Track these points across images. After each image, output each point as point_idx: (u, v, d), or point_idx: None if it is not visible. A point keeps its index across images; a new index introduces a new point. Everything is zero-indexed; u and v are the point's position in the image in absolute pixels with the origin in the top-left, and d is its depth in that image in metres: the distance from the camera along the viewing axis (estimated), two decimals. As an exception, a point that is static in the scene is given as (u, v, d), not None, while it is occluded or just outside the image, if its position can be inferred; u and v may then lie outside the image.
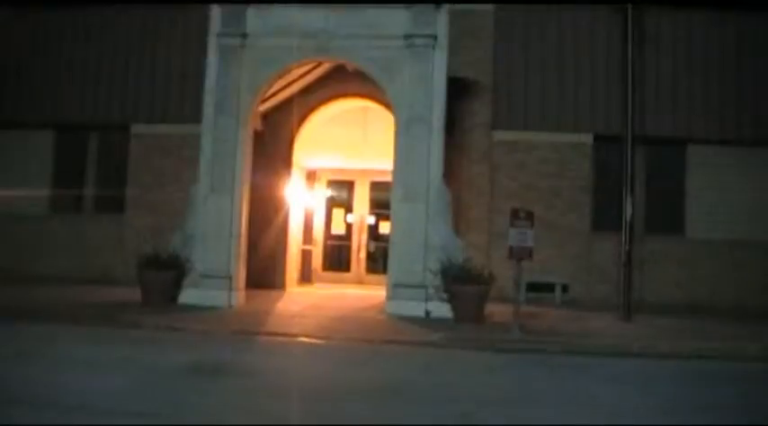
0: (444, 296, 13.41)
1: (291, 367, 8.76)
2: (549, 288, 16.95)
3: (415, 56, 13.71)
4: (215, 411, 6.42)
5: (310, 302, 15.03)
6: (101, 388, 6.94)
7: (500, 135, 17.17)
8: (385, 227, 19.64)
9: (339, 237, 19.55)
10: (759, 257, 16.89)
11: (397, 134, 13.87)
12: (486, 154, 17.17)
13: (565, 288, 17.03)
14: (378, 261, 19.42)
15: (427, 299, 13.50)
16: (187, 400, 6.71)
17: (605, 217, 17.28)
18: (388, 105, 16.81)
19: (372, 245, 19.56)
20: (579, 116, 17.19)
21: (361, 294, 17.08)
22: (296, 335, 11.19)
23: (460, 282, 13.14)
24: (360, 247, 19.36)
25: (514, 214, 12.25)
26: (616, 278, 17.10)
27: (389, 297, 13.74)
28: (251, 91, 13.86)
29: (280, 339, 10.91)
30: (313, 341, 10.95)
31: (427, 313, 13.46)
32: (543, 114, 17.22)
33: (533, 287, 16.75)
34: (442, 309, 13.36)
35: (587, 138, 17.22)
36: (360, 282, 19.00)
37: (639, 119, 16.52)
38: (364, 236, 19.39)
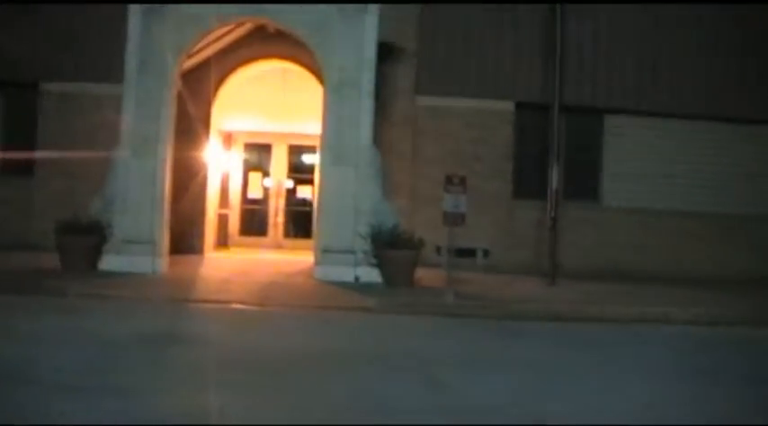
0: (374, 261, 13.34)
1: (237, 335, 8.52)
2: (471, 253, 17.04)
3: (346, 19, 13.45)
4: (185, 382, 6.18)
5: (234, 268, 14.72)
6: (62, 363, 6.56)
7: (423, 100, 17.06)
8: (303, 192, 19.43)
9: (256, 201, 19.20)
10: (671, 225, 17.43)
11: (327, 97, 13.63)
12: (408, 119, 17.06)
13: (486, 254, 17.17)
14: (296, 225, 19.20)
15: (356, 264, 13.39)
16: (152, 372, 6.42)
17: (526, 183, 17.47)
18: (309, 67, 16.53)
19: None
20: (501, 83, 17.24)
21: (281, 259, 16.83)
22: (230, 302, 10.93)
23: (391, 247, 13.09)
24: (277, 211, 19.06)
25: (449, 180, 12.27)
26: (535, 244, 17.40)
27: (318, 263, 13.58)
28: (176, 50, 13.30)
29: (214, 306, 10.63)
30: (248, 307, 10.72)
31: (356, 278, 13.35)
32: (466, 81, 17.19)
33: (455, 252, 16.81)
34: (371, 274, 13.29)
35: (509, 106, 17.31)
36: (277, 247, 18.72)
37: (560, 88, 16.77)
38: (282, 201, 19.10)
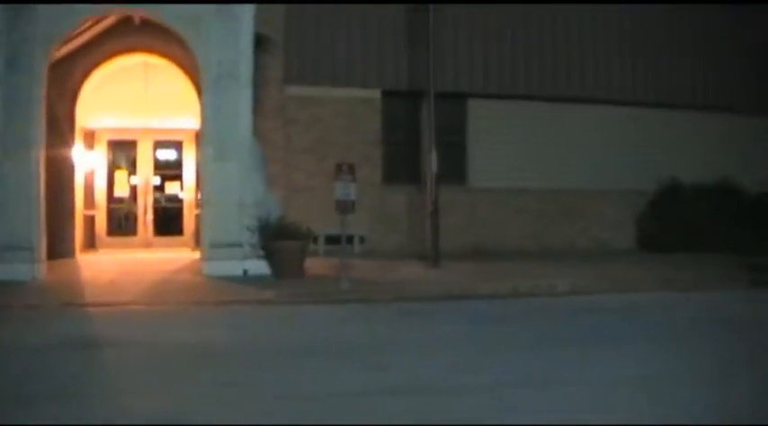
0: (261, 253, 13.33)
1: (153, 334, 8.34)
2: (347, 239, 17.27)
3: (222, 12, 13.31)
4: (126, 385, 6.06)
5: (114, 269, 14.33)
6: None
7: (292, 90, 17.16)
8: (172, 188, 19.06)
9: (123, 200, 18.66)
10: (537, 203, 18.35)
11: (205, 91, 13.47)
12: (279, 109, 17.09)
13: (362, 240, 17.48)
14: (166, 223, 18.82)
15: (244, 258, 13.34)
16: (86, 377, 6.24)
17: (396, 169, 17.94)
18: (175, 60, 16.25)
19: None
20: (368, 72, 17.58)
21: (156, 258, 16.50)
22: (126, 303, 10.65)
23: (279, 238, 13.12)
24: (146, 209, 18.61)
25: (339, 168, 12.44)
26: (408, 228, 17.89)
27: (205, 258, 13.44)
28: (46, 46, 12.73)
29: (112, 308, 10.34)
30: (148, 307, 10.48)
31: (245, 271, 13.30)
32: (334, 70, 17.42)
33: (331, 239, 16.99)
34: (259, 267, 13.26)
35: (376, 94, 17.67)
36: (148, 246, 18.31)
37: (425, 75, 17.21)
38: (150, 198, 18.66)
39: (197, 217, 18.24)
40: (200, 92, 16.21)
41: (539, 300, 11.54)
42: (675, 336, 8.40)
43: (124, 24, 15.48)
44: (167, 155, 19.14)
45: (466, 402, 5.54)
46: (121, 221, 18.70)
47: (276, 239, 13.10)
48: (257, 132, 15.90)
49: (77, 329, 8.63)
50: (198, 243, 17.89)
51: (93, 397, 5.52)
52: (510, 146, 18.34)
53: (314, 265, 13.71)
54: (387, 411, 5.27)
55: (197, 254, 16.91)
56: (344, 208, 12.32)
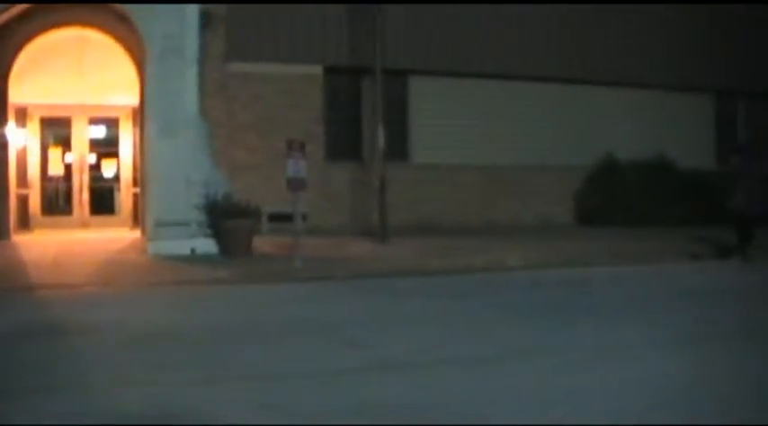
0: (209, 232, 13.12)
1: (116, 317, 8.11)
2: (289, 217, 17.12)
3: (167, -16, 12.99)
4: (110, 373, 5.89)
5: (55, 250, 13.86)
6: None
7: (234, 66, 16.80)
8: (108, 166, 18.57)
9: (58, 179, 18.10)
10: (479, 178, 18.48)
11: (150, 67, 13.16)
12: (220, 85, 16.75)
13: (304, 217, 17.29)
14: (102, 202, 18.33)
15: (192, 236, 13.11)
16: (64, 367, 6.02)
17: (339, 146, 17.81)
18: (113, 35, 15.79)
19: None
20: (310, 48, 17.33)
21: (95, 237, 16.07)
22: (78, 286, 10.35)
23: (229, 217, 12.92)
24: (82, 188, 18.08)
25: (290, 145, 12.28)
26: (351, 205, 17.81)
27: (151, 237, 13.17)
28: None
29: (64, 291, 10.02)
30: (100, 289, 10.23)
31: (192, 250, 13.08)
32: (275, 46, 17.12)
33: (275, 217, 16.82)
34: (207, 245, 13.07)
35: (318, 70, 17.48)
36: (84, 225, 17.81)
37: (367, 51, 17.11)
38: (86, 176, 18.12)
39: (135, 195, 17.87)
40: (139, 68, 15.84)
41: (493, 275, 11.65)
42: (638, 307, 8.60)
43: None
44: (103, 132, 18.61)
45: (453, 376, 5.56)
46: (56, 200, 18.13)
47: (224, 218, 12.89)
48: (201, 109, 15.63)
49: (36, 315, 8.34)
50: (136, 222, 17.58)
51: (79, 388, 5.30)
52: (452, 122, 18.38)
53: (259, 244, 13.55)
54: (375, 387, 5.23)
55: (136, 234, 16.60)
56: (296, 185, 12.19)
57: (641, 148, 18.97)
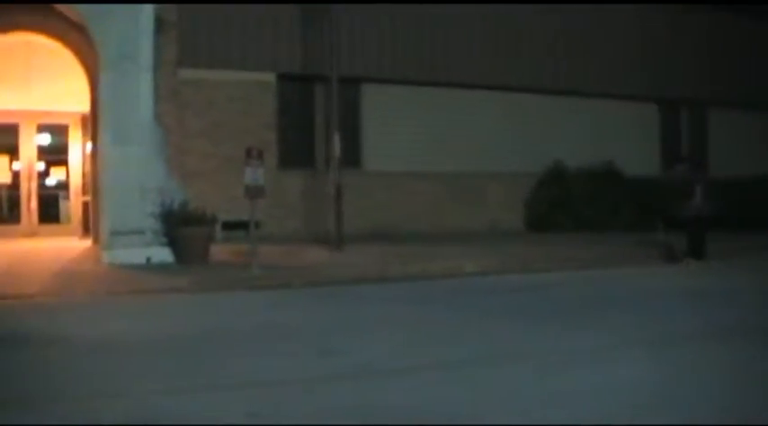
0: (164, 240, 13.01)
1: (79, 328, 7.97)
2: (243, 225, 17.04)
3: (121, -11, 12.85)
4: (88, 383, 5.81)
5: (6, 259, 13.60)
6: None
7: (186, 73, 16.65)
8: (57, 174, 18.27)
9: (5, 187, 17.73)
10: (431, 186, 18.65)
11: (104, 73, 12.97)
12: (172, 92, 16.57)
13: (257, 225, 17.22)
14: (51, 210, 18.01)
15: (147, 245, 12.97)
16: (41, 378, 5.90)
17: (292, 154, 17.81)
18: (64, 40, 15.56)
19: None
20: (263, 55, 17.32)
21: (45, 247, 15.78)
22: (33, 295, 10.14)
23: (185, 225, 12.83)
24: (30, 196, 17.75)
25: (248, 152, 12.24)
26: (305, 212, 17.81)
27: (106, 246, 12.97)
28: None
29: (19, 301, 9.82)
30: (57, 299, 10.03)
31: (148, 259, 12.93)
32: (228, 53, 17.07)
33: (228, 225, 16.73)
34: (162, 254, 12.95)
35: (271, 77, 17.46)
36: (32, 234, 17.49)
37: (320, 59, 17.15)
38: (34, 184, 17.80)
39: (84, 204, 17.61)
40: (90, 74, 15.66)
41: (452, 281, 11.75)
42: (599, 311, 8.78)
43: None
44: (52, 139, 18.29)
45: (434, 380, 5.60)
46: (3, 209, 17.76)
47: (180, 226, 12.79)
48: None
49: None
50: (86, 230, 17.32)
51: (54, 400, 5.17)
52: (404, 130, 18.53)
53: (215, 252, 13.46)
54: (360, 393, 5.25)
55: (87, 243, 16.36)
56: (254, 193, 12.16)
57: (589, 156, 19.36)
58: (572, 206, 18.97)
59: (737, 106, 22.63)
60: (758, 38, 23.32)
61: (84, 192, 17.45)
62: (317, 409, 4.88)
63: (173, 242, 12.89)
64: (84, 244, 16.14)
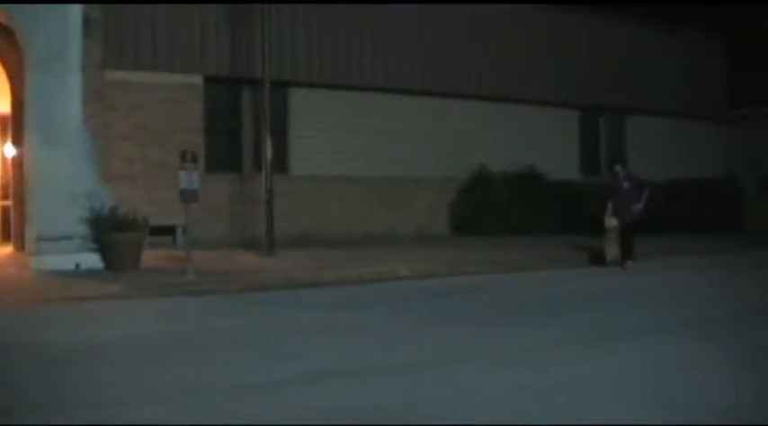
0: (93, 246, 12.74)
1: (21, 336, 7.80)
2: (170, 230, 16.84)
3: (49, -11, 12.53)
4: (47, 391, 5.70)
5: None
6: None
7: (112, 74, 16.32)
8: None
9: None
10: (357, 190, 18.73)
11: (31, 74, 12.62)
12: (97, 94, 16.20)
13: (185, 230, 17.02)
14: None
15: (76, 251, 12.68)
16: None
17: (218, 158, 17.63)
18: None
19: None
20: (190, 57, 17.11)
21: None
22: (-40, 302, 9.87)
23: (115, 230, 12.58)
24: (-55, 201, 17.13)
25: (183, 156, 12.10)
26: (231, 217, 17.67)
27: (33, 252, 12.61)
28: None
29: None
30: (-12, 306, 9.78)
31: (77, 265, 12.62)
32: (155, 54, 16.80)
33: (153, 230, 16.45)
34: (92, 260, 12.66)
35: (198, 80, 17.27)
36: (-52, 240, 16.88)
37: (248, 62, 17.08)
38: (-51, 188, 17.18)
39: (4, 208, 17.08)
40: (10, 74, 15.21)
41: (387, 285, 11.88)
42: (536, 312, 9.05)
43: None
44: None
45: (393, 382, 5.70)
46: None
47: (112, 231, 12.54)
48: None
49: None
50: (7, 236, 16.78)
51: (14, 412, 5.10)
52: (330, 134, 18.57)
53: (144, 257, 13.22)
54: (324, 396, 5.32)
55: (8, 249, 15.86)
56: (189, 197, 12.03)
57: (513, 161, 19.76)
58: (497, 209, 19.32)
59: (653, 113, 23.45)
60: (671, 50, 24.26)
61: (5, 197, 16.91)
62: (285, 413, 4.92)
63: (103, 248, 12.61)
64: (5, 251, 15.67)
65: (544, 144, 20.87)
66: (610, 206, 13.84)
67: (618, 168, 14.31)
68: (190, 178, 12.04)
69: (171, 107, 16.93)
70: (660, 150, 22.74)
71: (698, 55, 25.13)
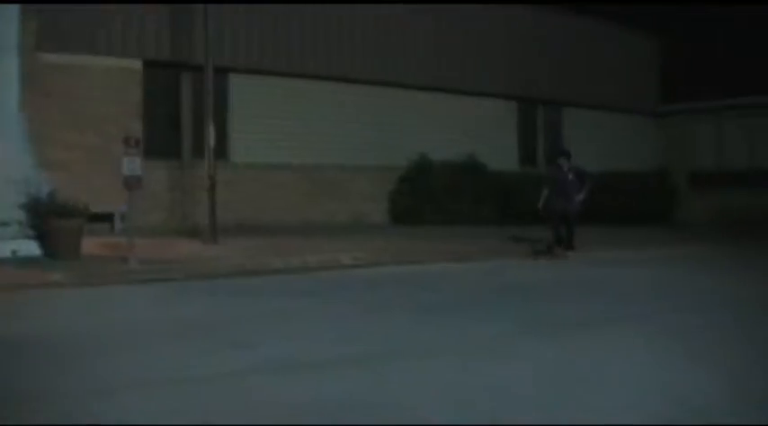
0: (31, 233, 12.44)
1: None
2: (108, 217, 16.53)
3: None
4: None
5: None
6: None
7: (47, 58, 15.92)
8: None
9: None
10: (297, 178, 18.68)
11: (-34, 56, 12.25)
12: (32, 78, 15.79)
13: (123, 217, 16.76)
14: None
15: (12, 238, 12.36)
16: None
17: (157, 144, 17.33)
18: None
19: None
20: (129, 41, 16.78)
21: None
22: None
23: (55, 217, 12.30)
24: None
25: (126, 142, 11.91)
26: (170, 204, 17.44)
27: (-33, 240, 12.27)
28: None
29: None
30: None
31: (14, 252, 12.31)
32: (93, 38, 16.42)
33: (90, 217, 16.13)
34: (29, 247, 12.36)
35: (137, 64, 16.95)
36: None
37: (189, 47, 16.85)
38: None
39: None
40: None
41: (333, 273, 11.90)
42: (486, 302, 9.15)
43: None
44: None
45: (353, 373, 5.70)
46: None
47: (51, 218, 12.26)
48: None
49: None
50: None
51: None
52: (271, 121, 18.45)
53: (83, 245, 12.98)
54: (290, 388, 5.30)
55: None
56: (132, 184, 11.84)
57: (452, 151, 19.92)
58: (436, 199, 19.46)
59: (589, 106, 23.89)
60: (608, 46, 24.74)
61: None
62: (246, 404, 4.89)
63: (41, 235, 12.33)
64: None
65: (483, 134, 21.10)
66: (545, 193, 14.12)
67: (562, 160, 14.55)
68: (133, 164, 11.84)
69: (109, 92, 16.59)
70: (596, 143, 23.17)
71: (633, 51, 25.72)
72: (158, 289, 10.25)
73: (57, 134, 15.95)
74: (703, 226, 22.08)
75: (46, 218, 12.22)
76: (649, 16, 24.33)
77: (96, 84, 16.43)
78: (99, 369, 5.84)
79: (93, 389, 5.25)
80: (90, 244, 13.25)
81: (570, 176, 14.11)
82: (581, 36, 23.89)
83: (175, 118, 17.74)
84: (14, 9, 12.49)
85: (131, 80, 16.88)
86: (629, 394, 5.05)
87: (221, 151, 17.86)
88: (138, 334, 7.17)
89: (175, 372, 5.73)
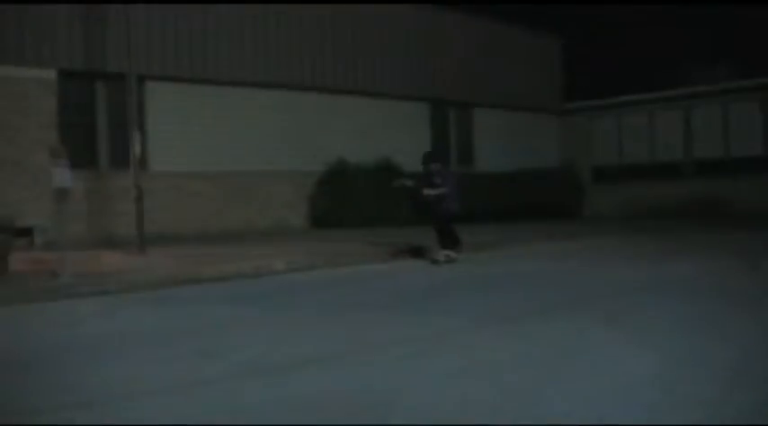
0: (-50, 250, 12.11)
1: None
2: (26, 232, 16.19)
3: None
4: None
5: None
6: None
7: (-44, 69, 15.54)
8: None
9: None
10: (215, 186, 18.75)
11: None
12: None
13: (44, 231, 16.45)
14: None
15: (-69, 257, 12.01)
16: None
17: (73, 155, 16.83)
18: None
19: None
20: (42, 50, 16.46)
21: None
22: None
23: (-22, 233, 12.03)
24: None
25: (53, 153, 11.77)
26: (88, 216, 17.18)
27: None
28: None
29: None
30: None
31: (-69, 272, 11.99)
32: (4, 47, 16.05)
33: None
34: (-50, 265, 12.05)
35: (51, 74, 16.65)
36: None
37: (103, 55, 16.65)
38: None
39: None
40: None
41: (270, 280, 11.99)
42: (424, 298, 9.43)
43: None
44: None
45: (325, 374, 5.83)
46: None
47: (-27, 234, 11.99)
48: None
49: None
50: None
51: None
52: (187, 129, 18.41)
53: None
54: (266, 391, 5.38)
55: None
56: (63, 196, 11.67)
57: (368, 153, 20.22)
58: (355, 201, 19.72)
59: (497, 106, 24.58)
60: (513, 46, 25.47)
61: None
62: (238, 407, 5.01)
63: (-37, 251, 12.02)
64: None
65: (398, 136, 21.48)
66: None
67: (434, 166, 14.07)
68: (64, 175, 11.67)
69: (21, 102, 16.25)
70: (504, 142, 23.87)
71: (536, 51, 26.57)
72: (98, 303, 10.13)
73: (-33, 146, 15.56)
74: (609, 219, 23.00)
75: (-32, 235, 11.93)
76: (549, 17, 25.21)
77: (8, 94, 16.07)
78: (71, 383, 5.76)
79: (75, 403, 5.24)
80: (12, 260, 12.96)
81: (438, 180, 13.81)
82: (488, 37, 24.56)
83: (91, 127, 17.48)
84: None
85: (46, 90, 16.57)
86: (579, 387, 5.37)
87: (140, 160, 17.71)
88: (91, 349, 7.11)
89: (150, 383, 5.69)
